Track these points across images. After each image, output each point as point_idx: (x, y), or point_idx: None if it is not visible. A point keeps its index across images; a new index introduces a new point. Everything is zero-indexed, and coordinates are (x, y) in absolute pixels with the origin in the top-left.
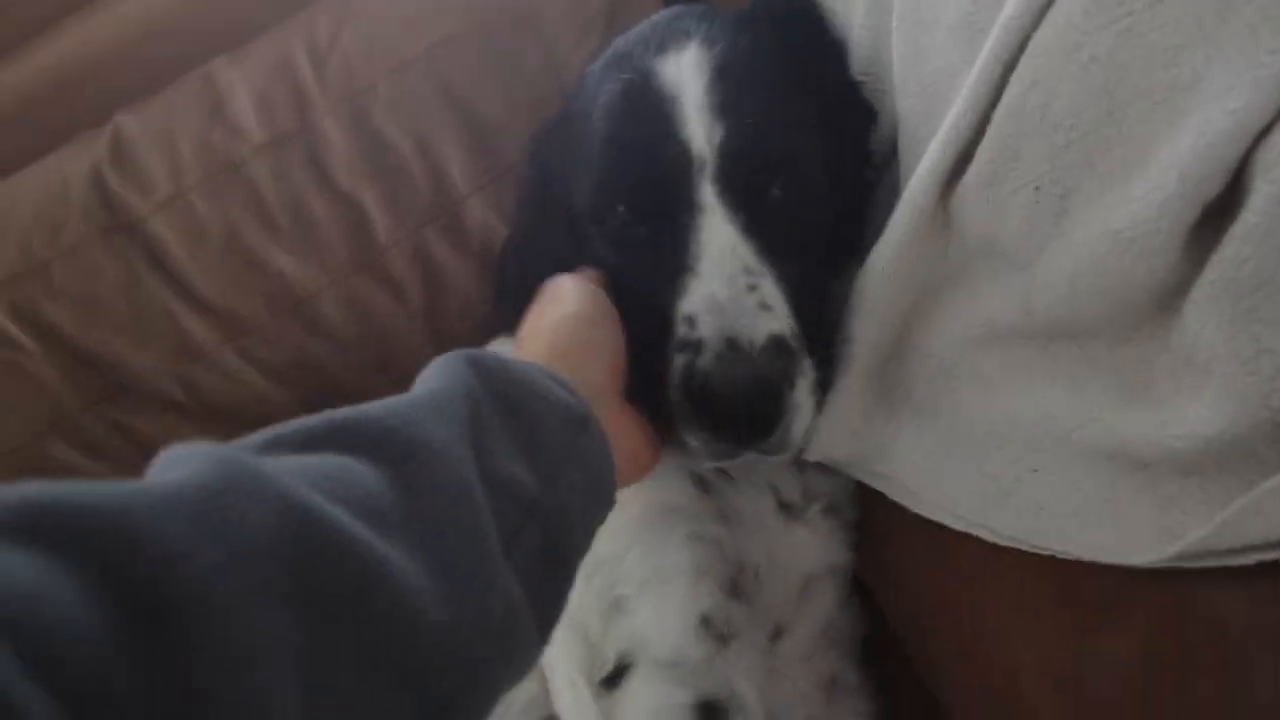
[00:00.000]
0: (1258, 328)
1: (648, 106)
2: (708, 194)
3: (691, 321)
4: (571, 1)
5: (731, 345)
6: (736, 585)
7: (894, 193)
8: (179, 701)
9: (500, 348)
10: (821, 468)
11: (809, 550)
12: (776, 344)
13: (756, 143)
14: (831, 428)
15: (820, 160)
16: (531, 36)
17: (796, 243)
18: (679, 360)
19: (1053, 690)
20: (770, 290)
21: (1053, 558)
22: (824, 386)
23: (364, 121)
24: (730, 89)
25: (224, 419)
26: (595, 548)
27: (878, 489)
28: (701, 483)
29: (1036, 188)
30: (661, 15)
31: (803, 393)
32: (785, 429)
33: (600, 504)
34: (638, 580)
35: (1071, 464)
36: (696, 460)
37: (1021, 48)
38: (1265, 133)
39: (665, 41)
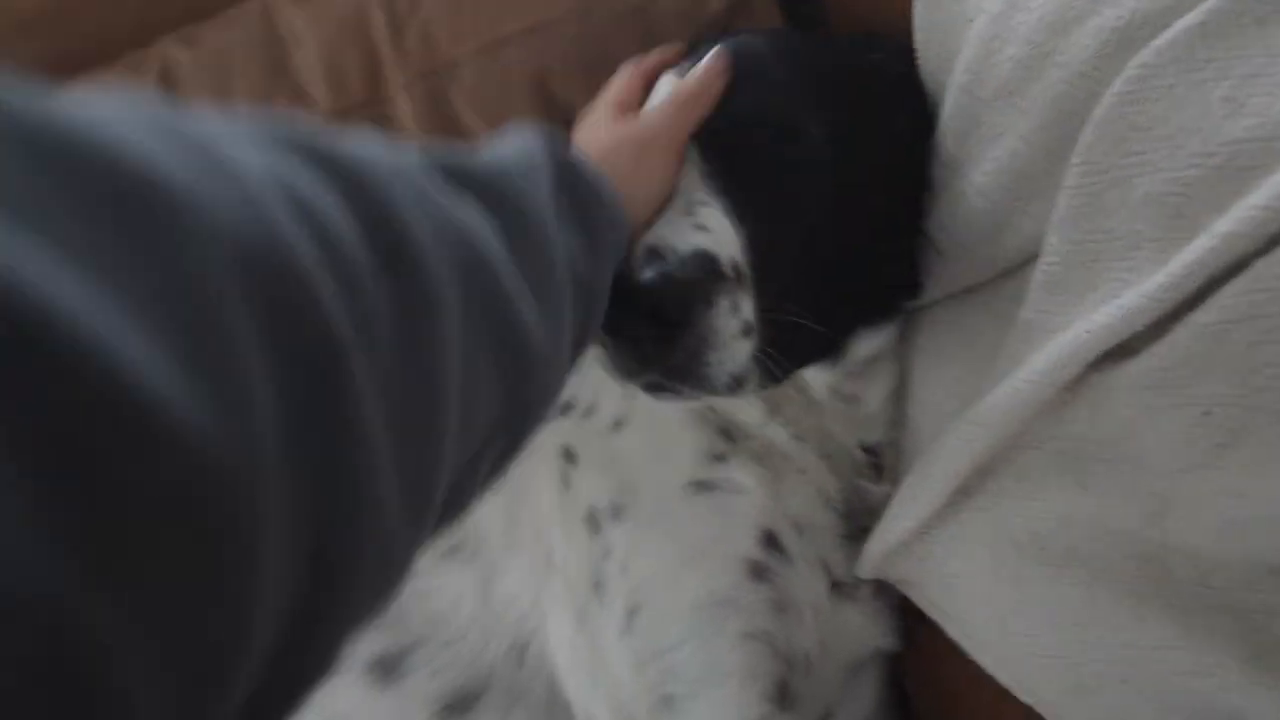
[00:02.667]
0: None
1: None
2: None
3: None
4: (685, 2)
5: (652, 253)
6: (786, 690)
7: (1004, 304)
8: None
9: None
10: None
11: (858, 633)
12: (701, 258)
13: (736, 107)
14: (890, 545)
15: (830, 150)
16: (634, 34)
17: (781, 200)
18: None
19: None
20: (714, 218)
21: None
22: (777, 361)
23: (440, 102)
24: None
25: None
26: (651, 635)
27: (935, 619)
28: (756, 571)
29: (1206, 413)
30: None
31: (724, 319)
32: (694, 350)
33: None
34: (689, 679)
35: (1166, 695)
36: (613, 380)
37: (1238, 269)
38: None
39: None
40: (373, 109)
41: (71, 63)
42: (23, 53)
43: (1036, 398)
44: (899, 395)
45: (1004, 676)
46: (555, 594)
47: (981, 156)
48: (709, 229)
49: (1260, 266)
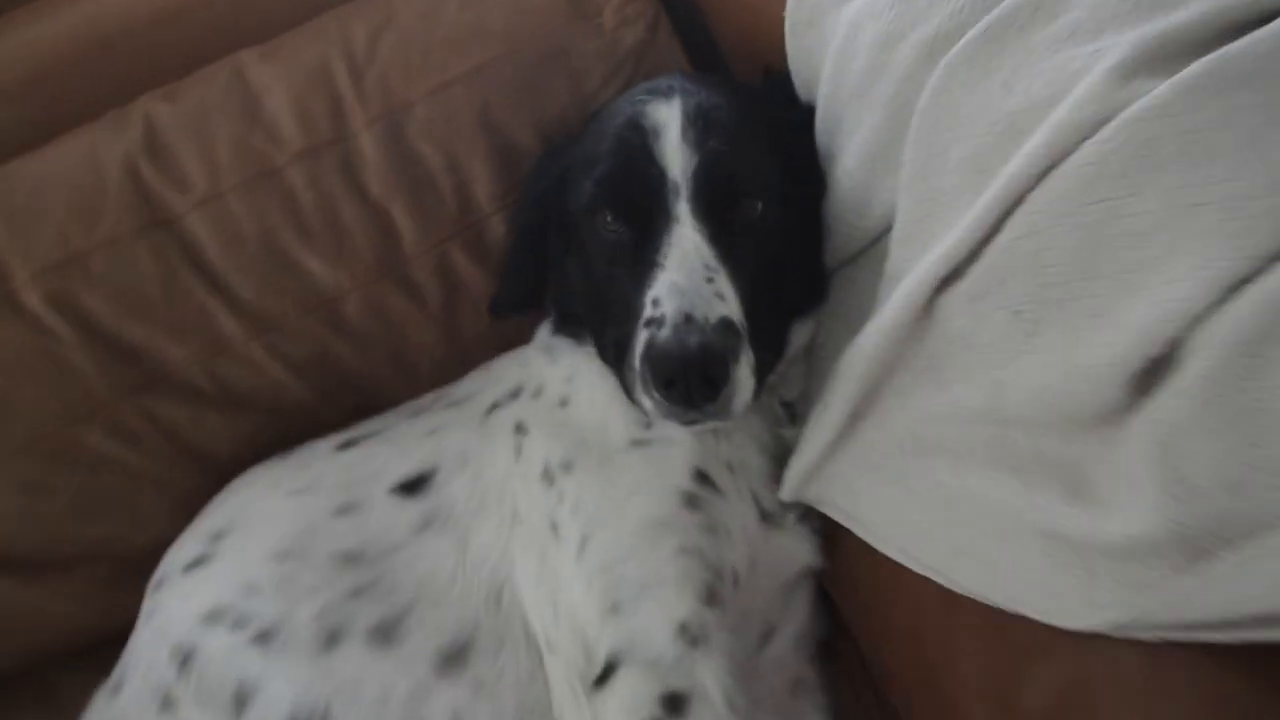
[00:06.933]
0: (1178, 462)
1: (639, 137)
2: (682, 209)
3: (656, 303)
4: (601, 43)
5: (688, 319)
6: (713, 593)
7: (877, 264)
8: None
9: (543, 333)
10: None
11: (788, 554)
12: (726, 325)
13: (723, 172)
14: (804, 470)
15: (779, 199)
16: (562, 71)
17: (754, 256)
18: (644, 334)
19: (989, 709)
20: (725, 285)
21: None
22: (759, 376)
23: (399, 137)
24: (703, 130)
25: (246, 407)
26: (599, 557)
27: (845, 525)
28: (689, 500)
29: (1016, 311)
30: (660, 76)
31: (744, 371)
32: (728, 397)
33: None
34: (634, 586)
35: (1020, 537)
36: (653, 419)
37: (1019, 200)
38: (1198, 320)
39: (658, 91)
40: (340, 145)
41: (55, 125)
42: (5, 119)
43: (899, 322)
44: (808, 351)
45: (902, 557)
46: (521, 542)
47: (845, 147)
48: (725, 297)
49: (1033, 197)
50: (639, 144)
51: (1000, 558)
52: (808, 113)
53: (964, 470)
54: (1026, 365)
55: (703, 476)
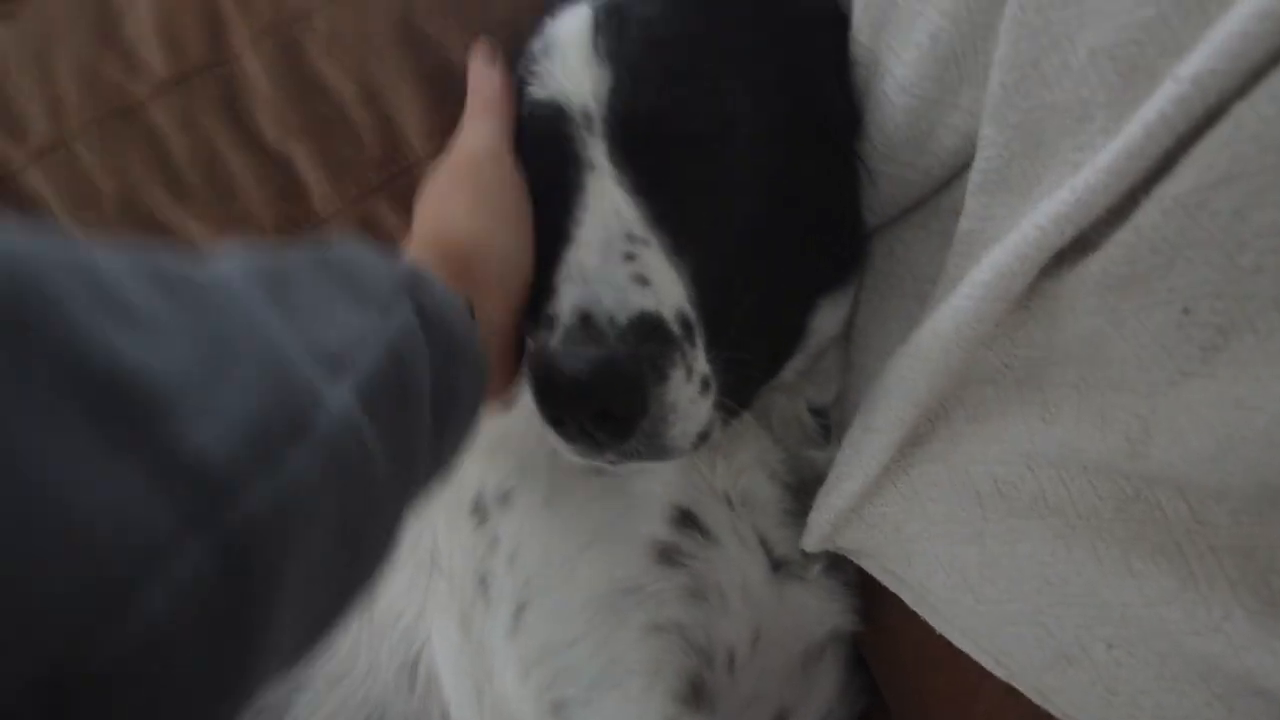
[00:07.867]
0: None
1: (542, 57)
2: (597, 152)
3: (558, 292)
4: None
5: (586, 322)
6: (700, 688)
7: (943, 222)
8: None
9: None
10: None
11: (808, 615)
12: (646, 324)
13: (655, 94)
14: (836, 511)
15: (759, 125)
16: None
17: (713, 217)
18: (540, 338)
19: None
20: (655, 262)
21: None
22: (736, 398)
23: (294, 56)
24: (617, 35)
25: None
26: (541, 633)
27: (893, 590)
28: (666, 555)
29: (1186, 310)
30: None
31: (681, 388)
32: (655, 431)
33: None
34: (584, 681)
35: (1166, 657)
36: (565, 456)
37: (1210, 118)
38: None
39: None
40: (217, 70)
41: None
42: None
43: (981, 318)
44: (846, 337)
45: (975, 651)
46: (440, 599)
47: (900, 45)
48: (650, 280)
49: (1241, 111)
50: (541, 67)
51: (1128, 678)
52: (831, 3)
53: (1079, 545)
54: (1196, 399)
55: (687, 517)
